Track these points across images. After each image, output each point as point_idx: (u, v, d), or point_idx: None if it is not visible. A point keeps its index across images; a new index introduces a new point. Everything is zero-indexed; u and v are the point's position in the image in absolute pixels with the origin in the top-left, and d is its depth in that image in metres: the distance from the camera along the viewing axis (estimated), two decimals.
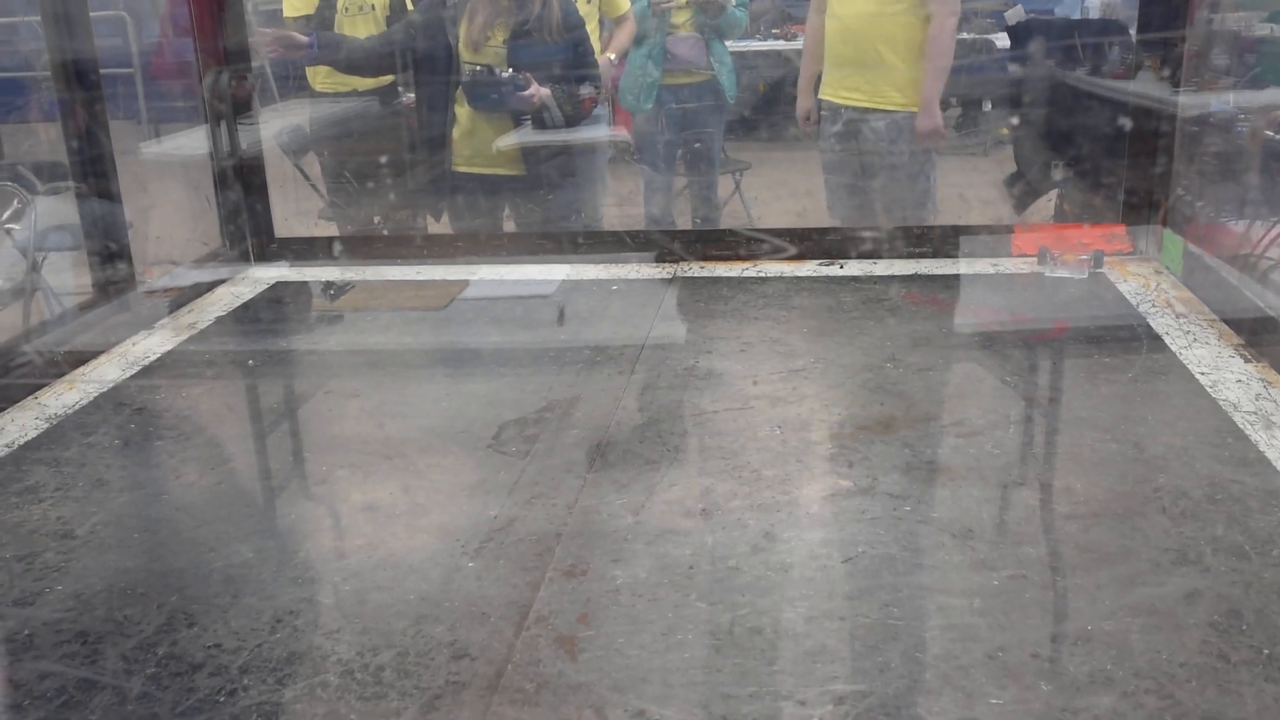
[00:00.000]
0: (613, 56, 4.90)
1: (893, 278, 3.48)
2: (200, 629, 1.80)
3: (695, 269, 3.65)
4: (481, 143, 4.31)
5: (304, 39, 4.38)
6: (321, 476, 2.40)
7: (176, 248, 4.04)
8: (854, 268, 3.58)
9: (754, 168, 7.20)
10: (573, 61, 4.29)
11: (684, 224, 5.82)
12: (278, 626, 1.81)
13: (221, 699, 1.63)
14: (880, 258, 3.63)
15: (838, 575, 1.90)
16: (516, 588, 1.89)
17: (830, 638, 1.73)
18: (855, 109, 4.31)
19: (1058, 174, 4.57)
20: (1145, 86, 3.74)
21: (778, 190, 6.74)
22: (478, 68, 4.17)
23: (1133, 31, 4.21)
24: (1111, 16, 6.24)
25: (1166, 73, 3.60)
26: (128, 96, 7.38)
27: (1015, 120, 5.19)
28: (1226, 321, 2.97)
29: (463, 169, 4.38)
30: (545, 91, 4.19)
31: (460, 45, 4.22)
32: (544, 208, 4.41)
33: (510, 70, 4.15)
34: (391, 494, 2.27)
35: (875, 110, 4.29)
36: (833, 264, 3.61)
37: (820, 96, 4.44)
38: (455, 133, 4.32)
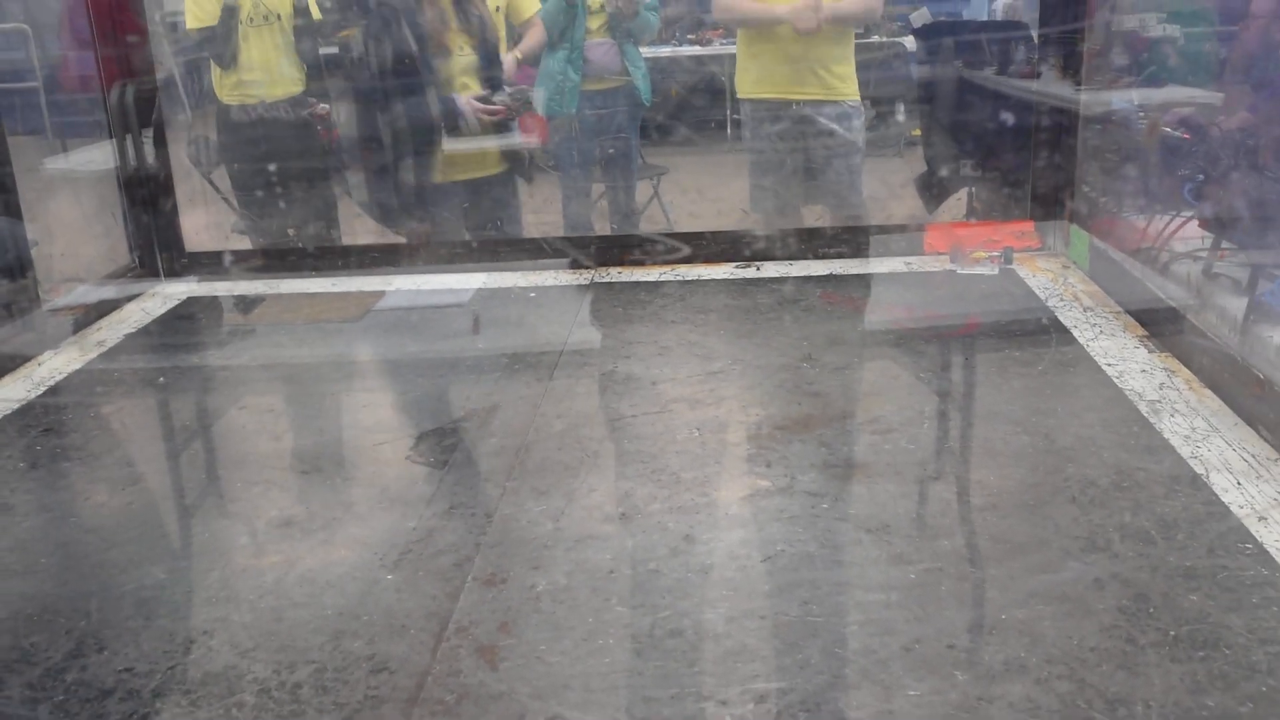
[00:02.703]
0: (519, 55, 4.85)
1: (808, 278, 3.52)
2: (111, 653, 1.76)
3: (613, 274, 3.65)
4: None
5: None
6: (236, 494, 2.36)
7: (84, 265, 3.95)
8: (770, 269, 3.61)
9: (671, 172, 7.23)
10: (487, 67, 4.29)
11: (602, 229, 5.83)
12: (191, 648, 1.77)
13: None
14: (799, 258, 3.67)
15: (757, 574, 1.91)
16: (436, 599, 1.87)
17: (751, 637, 1.74)
18: (807, 103, 4.34)
19: (967, 173, 4.66)
20: (1049, 85, 3.83)
21: (694, 195, 6.77)
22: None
23: (1035, 32, 4.31)
24: (1015, 18, 6.37)
25: (1069, 72, 3.69)
26: (30, 111, 7.20)
27: (924, 120, 5.27)
28: (1131, 313, 3.05)
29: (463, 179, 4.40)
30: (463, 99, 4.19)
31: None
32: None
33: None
34: (308, 509, 2.24)
35: (828, 102, 4.34)
36: (749, 266, 3.64)
37: (758, 97, 4.45)
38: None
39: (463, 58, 4.24)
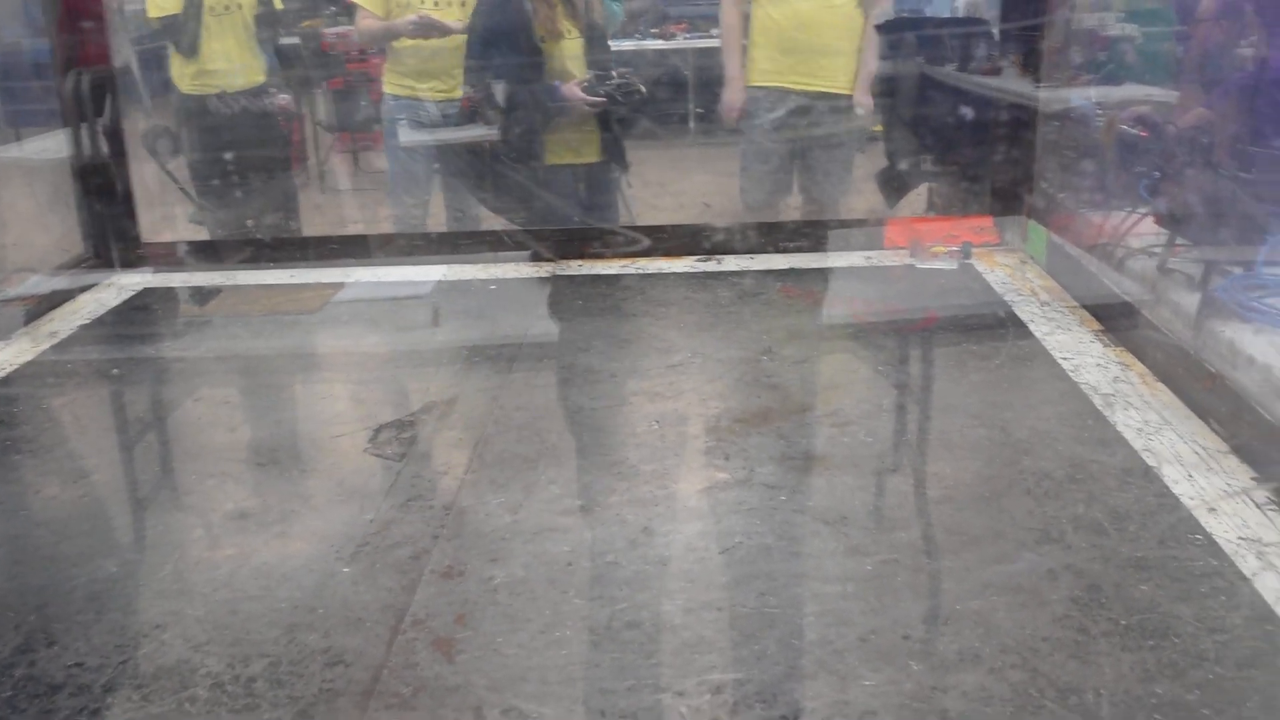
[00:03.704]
0: (401, 27, 4.70)
1: (768, 272, 3.53)
2: (61, 648, 1.74)
3: (574, 267, 3.64)
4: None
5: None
6: (190, 486, 2.34)
7: (36, 255, 3.89)
8: (731, 263, 3.61)
9: (634, 166, 7.21)
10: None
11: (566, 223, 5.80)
12: (143, 641, 1.75)
13: (83, 719, 1.58)
14: (760, 252, 3.68)
15: (715, 566, 1.92)
16: (392, 591, 1.86)
17: (708, 628, 1.74)
18: (807, 94, 4.33)
19: (928, 168, 4.68)
20: (1009, 82, 3.86)
21: (655, 188, 6.77)
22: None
23: (995, 29, 4.34)
24: (976, 14, 6.41)
25: (1029, 69, 3.72)
26: None
27: (885, 116, 5.28)
28: (1087, 308, 3.08)
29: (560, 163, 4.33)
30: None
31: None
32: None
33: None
34: (264, 501, 2.22)
35: (829, 94, 4.34)
36: (710, 259, 3.64)
37: (760, 84, 4.42)
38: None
39: (570, 42, 4.17)
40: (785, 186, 4.48)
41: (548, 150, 4.25)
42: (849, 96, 4.38)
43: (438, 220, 4.76)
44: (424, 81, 4.59)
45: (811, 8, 4.27)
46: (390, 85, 4.67)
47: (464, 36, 4.48)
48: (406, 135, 4.51)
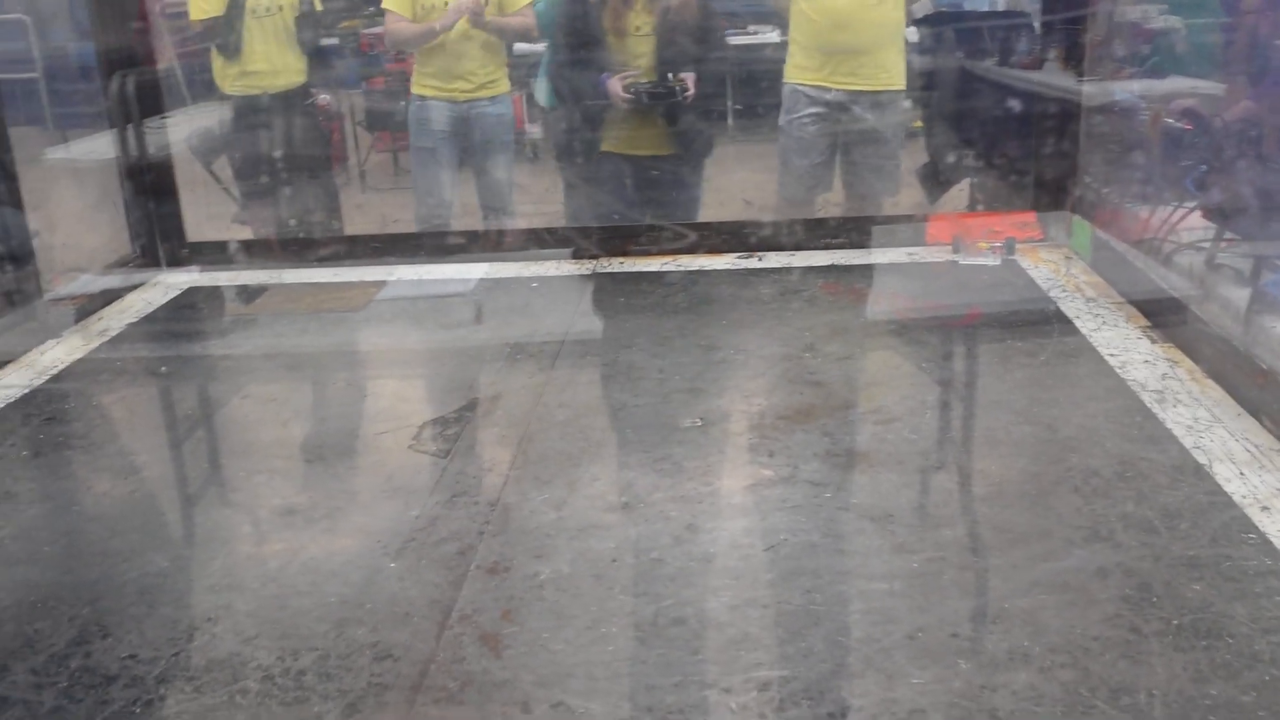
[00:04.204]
0: (438, 25, 4.71)
1: (810, 268, 3.52)
2: (114, 640, 1.77)
3: (615, 264, 3.65)
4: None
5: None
6: (238, 482, 2.36)
7: (85, 255, 3.95)
8: (772, 259, 3.60)
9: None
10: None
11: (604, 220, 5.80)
12: (195, 634, 1.77)
13: (137, 710, 1.60)
14: (802, 249, 3.67)
15: (760, 563, 1.91)
16: (439, 587, 1.87)
17: (753, 625, 1.74)
18: (848, 92, 4.31)
19: (970, 163, 4.65)
20: (1051, 76, 3.82)
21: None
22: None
23: (1037, 22, 4.30)
24: (1018, 8, 6.35)
25: (1072, 62, 3.68)
26: (31, 101, 7.19)
27: (926, 111, 5.25)
28: (1134, 304, 3.04)
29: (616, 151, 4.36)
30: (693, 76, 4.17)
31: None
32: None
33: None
34: (311, 497, 2.24)
35: (869, 92, 4.31)
36: (751, 256, 3.64)
37: (800, 83, 4.41)
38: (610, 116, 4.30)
39: (639, 39, 4.19)
40: (825, 184, 4.46)
41: (603, 140, 4.29)
42: (891, 93, 4.34)
43: (478, 218, 4.79)
44: (451, 81, 4.64)
45: (851, 7, 4.24)
46: (415, 85, 4.72)
47: (479, 40, 4.55)
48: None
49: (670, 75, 4.13)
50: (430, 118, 4.69)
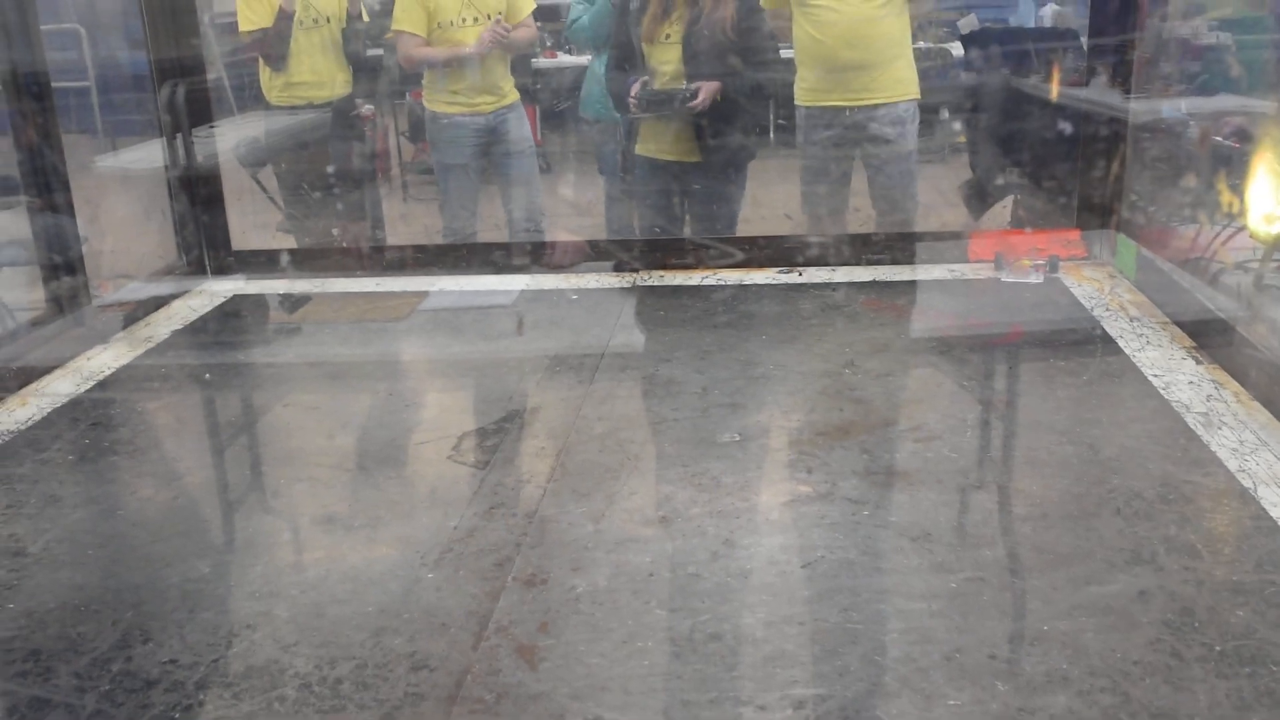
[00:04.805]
0: (472, 51, 4.74)
1: (851, 284, 3.51)
2: (156, 645, 1.79)
3: (654, 278, 3.65)
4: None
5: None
6: (279, 490, 2.38)
7: (132, 261, 4.01)
8: (812, 274, 3.60)
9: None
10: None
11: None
12: (234, 641, 1.79)
13: (177, 715, 1.62)
14: (843, 264, 3.66)
15: (797, 580, 1.91)
16: (476, 598, 1.88)
17: (789, 642, 1.73)
18: (860, 108, 4.29)
19: (1013, 180, 4.62)
20: (1098, 93, 3.79)
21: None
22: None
23: (1084, 39, 4.27)
24: (1064, 25, 6.31)
25: (1118, 80, 3.65)
26: (82, 109, 7.30)
27: (970, 127, 5.23)
28: (1179, 324, 3.01)
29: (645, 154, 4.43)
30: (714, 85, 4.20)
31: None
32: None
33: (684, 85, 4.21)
34: (350, 506, 2.26)
35: (880, 105, 4.29)
36: (791, 271, 3.63)
37: (813, 105, 4.40)
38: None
39: (667, 45, 4.23)
40: (844, 199, 4.45)
41: (638, 142, 4.37)
42: (908, 103, 4.32)
43: (519, 230, 4.82)
44: (476, 96, 4.69)
45: (854, 23, 4.22)
46: (436, 103, 4.77)
47: (498, 52, 4.61)
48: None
49: (685, 83, 4.16)
50: (458, 134, 4.74)
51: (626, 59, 4.30)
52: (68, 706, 1.65)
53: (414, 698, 1.64)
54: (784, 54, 4.50)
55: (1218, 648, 1.67)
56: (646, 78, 4.22)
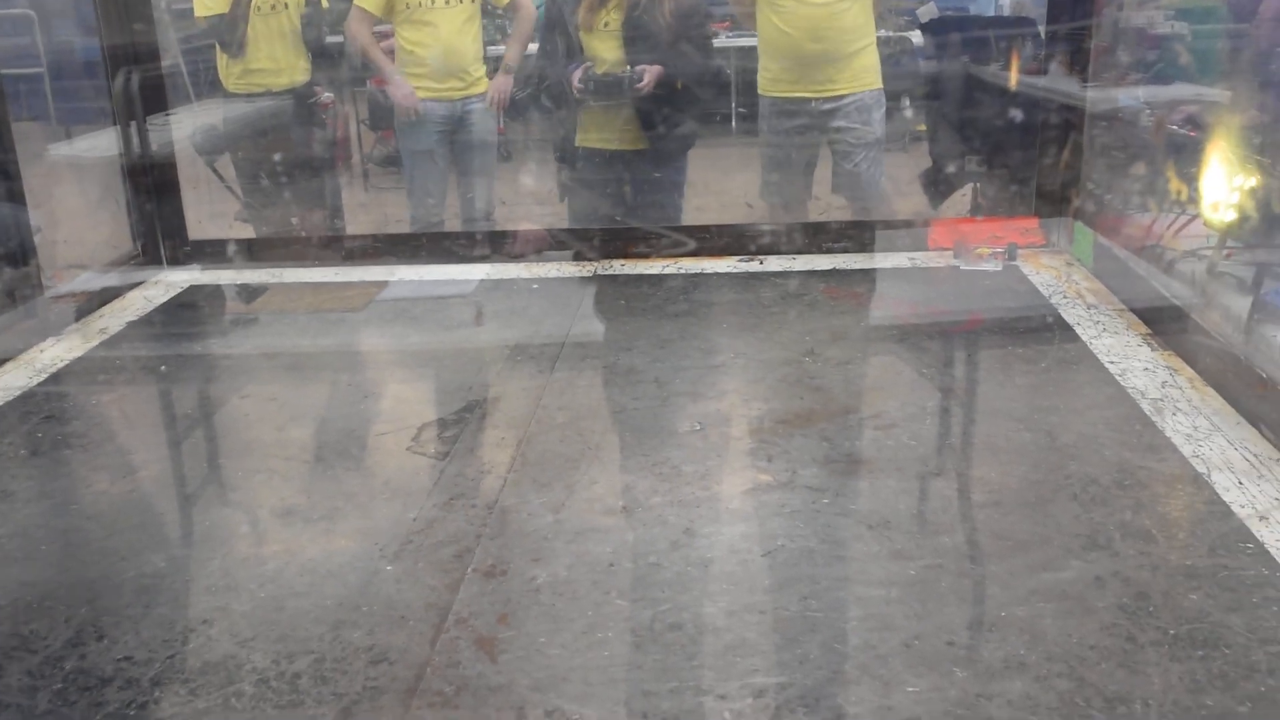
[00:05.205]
0: (510, 66, 4.80)
1: (811, 273, 3.51)
2: (110, 641, 1.76)
3: (616, 267, 3.64)
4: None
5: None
6: (237, 482, 2.36)
7: (87, 252, 3.95)
8: (773, 263, 3.60)
9: None
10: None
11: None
12: (191, 636, 1.77)
13: (131, 713, 1.60)
14: (803, 253, 3.67)
15: (757, 569, 1.91)
16: (436, 590, 1.87)
17: (750, 631, 1.74)
18: (824, 98, 4.29)
19: (972, 168, 4.64)
20: (1055, 81, 3.82)
21: (699, 188, 6.76)
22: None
23: (1042, 27, 4.29)
24: (1023, 13, 6.36)
25: (1076, 68, 3.68)
26: (35, 96, 7.20)
27: (930, 115, 5.25)
28: (1134, 311, 3.04)
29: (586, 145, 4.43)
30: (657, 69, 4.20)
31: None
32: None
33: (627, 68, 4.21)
34: (309, 498, 2.24)
35: (848, 95, 4.30)
36: (752, 260, 3.63)
37: (778, 95, 4.39)
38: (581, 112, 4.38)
39: (606, 34, 4.21)
40: (807, 189, 4.46)
41: (579, 131, 4.38)
42: (874, 92, 4.33)
43: (471, 221, 4.79)
44: (445, 80, 4.65)
45: (820, 16, 4.23)
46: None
47: (470, 36, 4.56)
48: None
49: (630, 67, 4.16)
50: (425, 120, 4.70)
51: (565, 48, 4.30)
52: (19, 707, 1.63)
53: (373, 691, 1.63)
54: (737, 43, 4.52)
55: (1172, 631, 1.69)
56: (589, 63, 4.22)
